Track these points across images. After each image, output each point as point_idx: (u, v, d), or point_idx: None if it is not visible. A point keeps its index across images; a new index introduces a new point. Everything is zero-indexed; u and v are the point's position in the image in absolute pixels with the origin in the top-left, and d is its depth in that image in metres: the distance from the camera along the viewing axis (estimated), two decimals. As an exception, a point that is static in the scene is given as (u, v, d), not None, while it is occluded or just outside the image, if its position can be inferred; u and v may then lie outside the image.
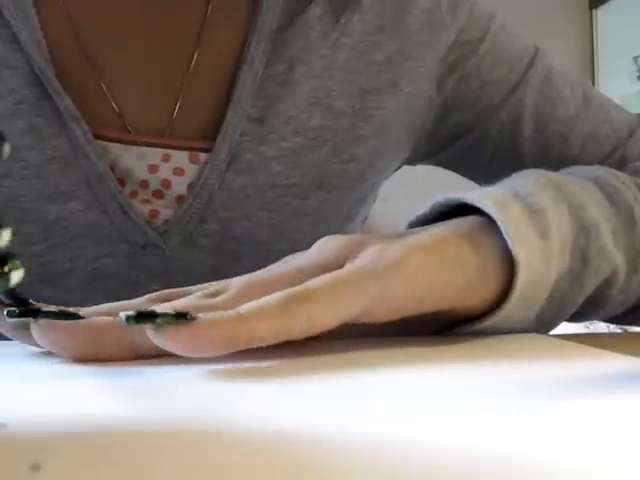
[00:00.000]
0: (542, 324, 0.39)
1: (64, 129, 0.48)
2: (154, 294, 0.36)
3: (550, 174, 0.42)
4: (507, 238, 0.35)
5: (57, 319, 0.30)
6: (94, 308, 0.34)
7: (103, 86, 0.50)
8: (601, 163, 0.56)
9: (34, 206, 0.48)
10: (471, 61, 0.57)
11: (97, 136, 0.49)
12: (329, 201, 0.53)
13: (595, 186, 0.43)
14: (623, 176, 0.46)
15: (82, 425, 0.19)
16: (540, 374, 0.26)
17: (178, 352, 0.28)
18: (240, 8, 0.52)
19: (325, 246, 0.35)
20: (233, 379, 0.26)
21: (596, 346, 0.32)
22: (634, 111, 0.62)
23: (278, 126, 0.51)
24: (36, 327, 0.30)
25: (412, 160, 0.61)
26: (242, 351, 0.29)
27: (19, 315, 0.31)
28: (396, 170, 0.61)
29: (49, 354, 0.32)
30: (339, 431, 0.18)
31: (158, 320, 0.27)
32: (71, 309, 0.32)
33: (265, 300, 0.30)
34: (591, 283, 0.40)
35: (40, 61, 0.47)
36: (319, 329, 0.30)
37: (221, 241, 0.51)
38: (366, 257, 0.33)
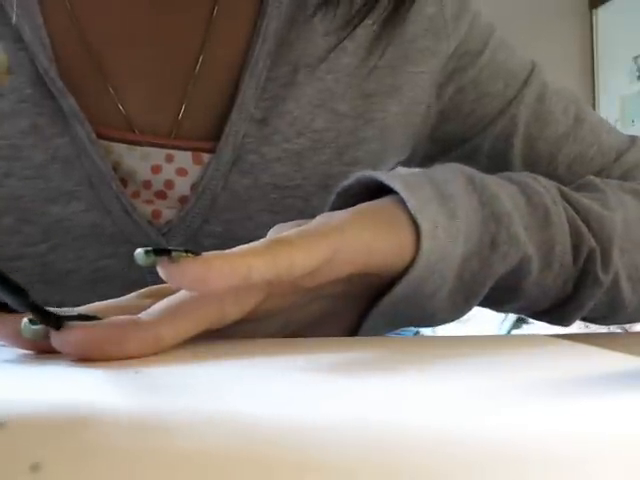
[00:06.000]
0: (456, 305, 0.41)
1: (67, 129, 0.48)
2: (144, 290, 0.36)
3: (469, 169, 0.44)
4: (412, 211, 0.38)
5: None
6: (87, 307, 0.34)
7: (109, 87, 0.50)
8: None
9: (36, 206, 0.48)
10: (469, 72, 0.58)
11: (100, 136, 0.49)
12: (332, 202, 0.53)
13: (514, 186, 0.45)
14: (544, 181, 0.47)
15: (83, 425, 0.19)
16: (540, 374, 0.26)
17: (190, 285, 0.31)
18: (245, 10, 0.52)
19: (279, 230, 0.38)
20: (252, 377, 0.26)
21: (596, 346, 0.32)
22: (634, 111, 0.62)
23: (281, 127, 0.51)
24: (57, 335, 0.29)
25: (408, 164, 0.61)
26: (261, 350, 0.28)
27: (42, 322, 0.29)
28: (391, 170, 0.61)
29: (49, 353, 0.32)
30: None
31: (173, 254, 0.30)
32: (65, 309, 0.32)
33: (250, 244, 0.33)
34: (499, 267, 0.41)
35: (44, 60, 0.47)
36: (299, 271, 0.34)
37: (224, 242, 0.51)
38: (319, 219, 0.37)
